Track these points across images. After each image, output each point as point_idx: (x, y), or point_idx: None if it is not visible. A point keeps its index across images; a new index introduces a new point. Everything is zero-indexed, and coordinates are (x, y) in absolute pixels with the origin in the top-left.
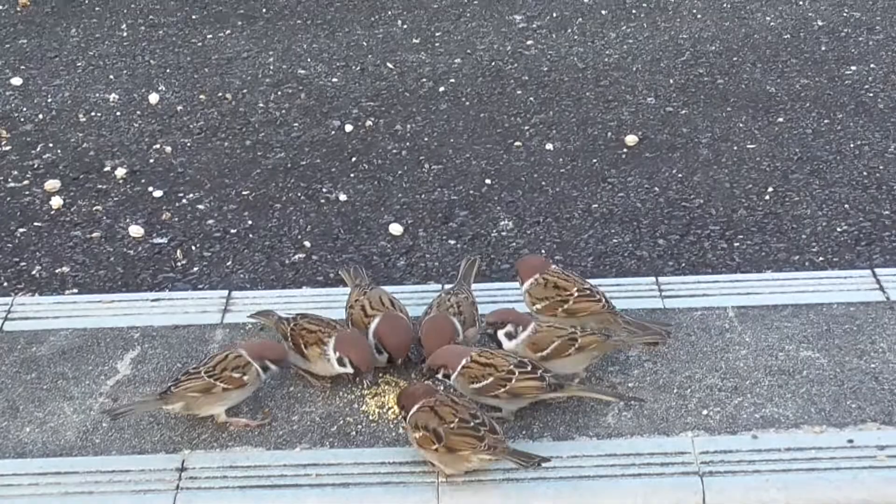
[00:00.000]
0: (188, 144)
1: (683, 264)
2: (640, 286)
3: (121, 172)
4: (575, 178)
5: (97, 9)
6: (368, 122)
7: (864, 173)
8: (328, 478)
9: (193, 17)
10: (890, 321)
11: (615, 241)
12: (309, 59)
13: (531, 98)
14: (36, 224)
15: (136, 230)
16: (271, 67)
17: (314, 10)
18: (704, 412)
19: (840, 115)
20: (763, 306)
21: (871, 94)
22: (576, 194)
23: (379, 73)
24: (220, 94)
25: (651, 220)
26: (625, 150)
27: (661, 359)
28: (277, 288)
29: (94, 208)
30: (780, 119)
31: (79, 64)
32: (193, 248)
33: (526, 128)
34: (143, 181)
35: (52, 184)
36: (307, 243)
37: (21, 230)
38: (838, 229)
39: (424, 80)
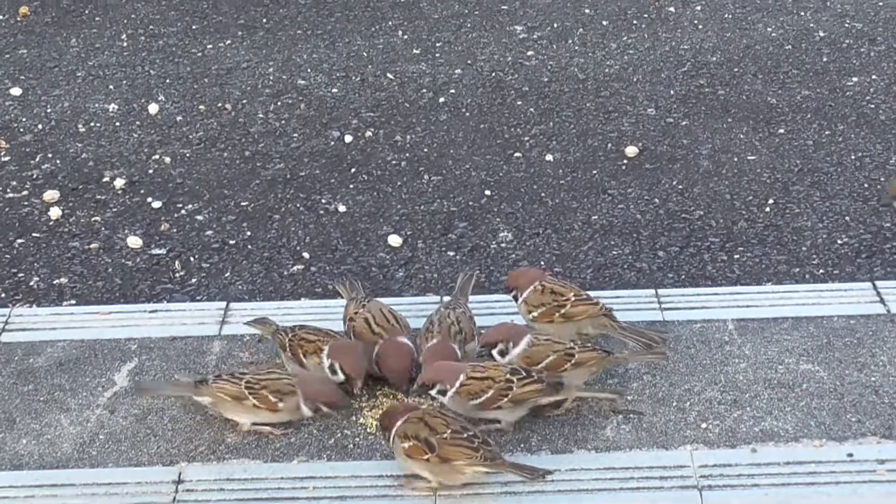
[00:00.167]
0: (187, 155)
1: (683, 276)
2: (639, 298)
3: (120, 183)
4: (575, 190)
5: (97, 19)
6: (368, 133)
7: (866, 185)
8: (325, 491)
9: (194, 27)
10: (890, 334)
11: (615, 252)
12: (309, 70)
13: (531, 109)
14: (34, 235)
15: (134, 241)
16: (271, 78)
17: (315, 20)
18: (703, 425)
19: (841, 126)
20: (763, 319)
21: (873, 106)
22: (575, 206)
23: (379, 84)
24: (219, 105)
25: (651, 231)
26: (625, 161)
27: (661, 371)
28: (276, 299)
29: (93, 219)
30: (781, 130)
31: (78, 74)
32: (192, 259)
33: (526, 139)
34: (141, 192)
35: (51, 194)
36: (306, 255)
37: (19, 241)
38: (839, 241)
39: (424, 90)
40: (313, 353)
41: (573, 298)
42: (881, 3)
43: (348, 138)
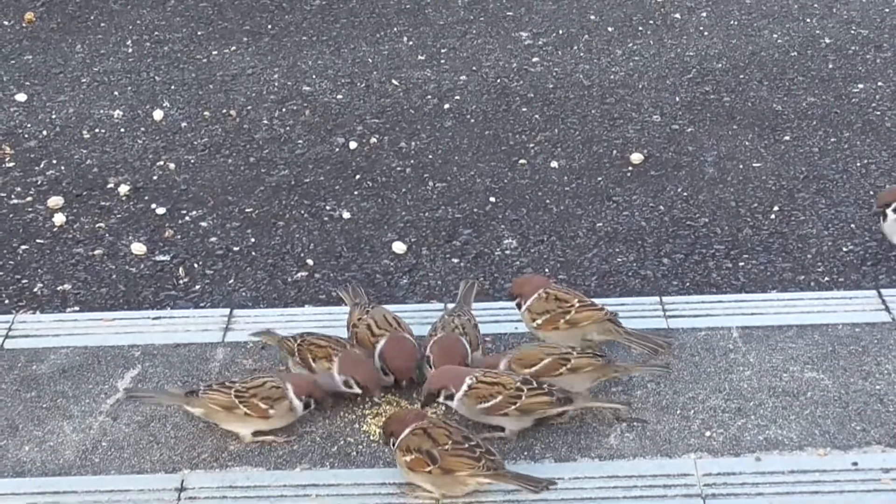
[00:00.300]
0: (192, 161)
1: (688, 284)
2: (644, 306)
3: (124, 189)
4: (579, 197)
5: (102, 25)
6: (373, 140)
7: (871, 192)
8: (328, 499)
9: (199, 33)
10: (895, 343)
11: (619, 260)
12: (314, 76)
13: (536, 116)
14: (38, 241)
15: (138, 248)
16: (276, 84)
17: (320, 26)
18: (707, 434)
19: (847, 133)
20: (767, 327)
21: (879, 113)
22: (580, 213)
23: (384, 90)
24: (224, 111)
25: (656, 238)
26: (630, 168)
27: (665, 379)
28: (279, 306)
29: (97, 225)
30: (787, 137)
31: (83, 80)
32: (196, 265)
33: (531, 146)
34: (146, 198)
35: (55, 201)
36: (310, 261)
37: (23, 247)
38: (844, 249)
39: (429, 97)
40: (323, 357)
41: (577, 304)
42: (887, 10)
43: (353, 145)
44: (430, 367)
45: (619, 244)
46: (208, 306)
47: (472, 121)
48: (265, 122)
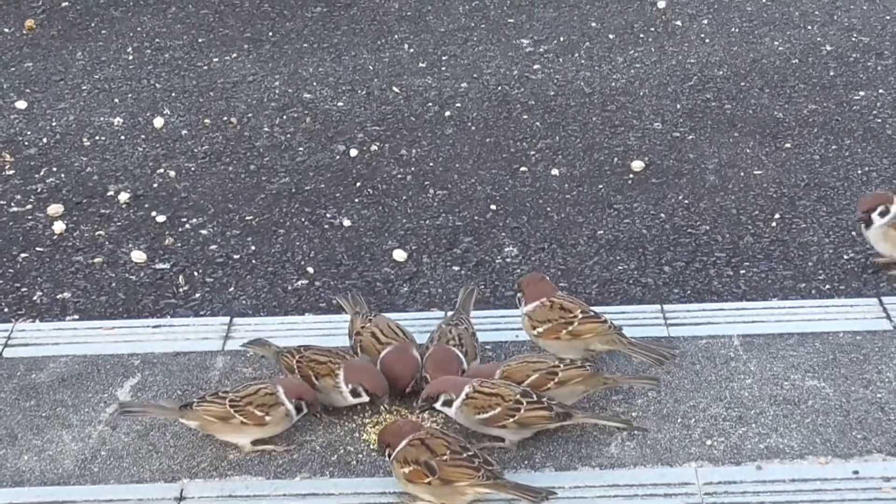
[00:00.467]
0: (192, 169)
1: (689, 291)
2: (644, 314)
3: (124, 197)
4: (580, 204)
5: (103, 32)
6: (373, 147)
7: None
8: None
9: (200, 40)
10: None
11: (620, 267)
12: (315, 83)
13: (537, 123)
14: (38, 249)
15: (138, 255)
16: (277, 91)
17: (321, 33)
18: (708, 442)
19: (848, 141)
20: (769, 335)
21: (880, 120)
22: (581, 220)
23: (385, 98)
24: (225, 118)
25: (657, 246)
26: (631, 175)
27: (665, 388)
28: (280, 314)
29: (97, 233)
30: (788, 145)
31: (84, 87)
32: (196, 273)
33: (532, 153)
34: (146, 206)
35: (55, 208)
36: (310, 269)
37: (23, 255)
38: (845, 257)
39: (430, 104)
40: (326, 374)
41: (581, 316)
42: (888, 17)
43: (354, 152)
44: (428, 381)
45: (620, 252)
46: (208, 314)
47: (473, 128)
48: (266, 129)
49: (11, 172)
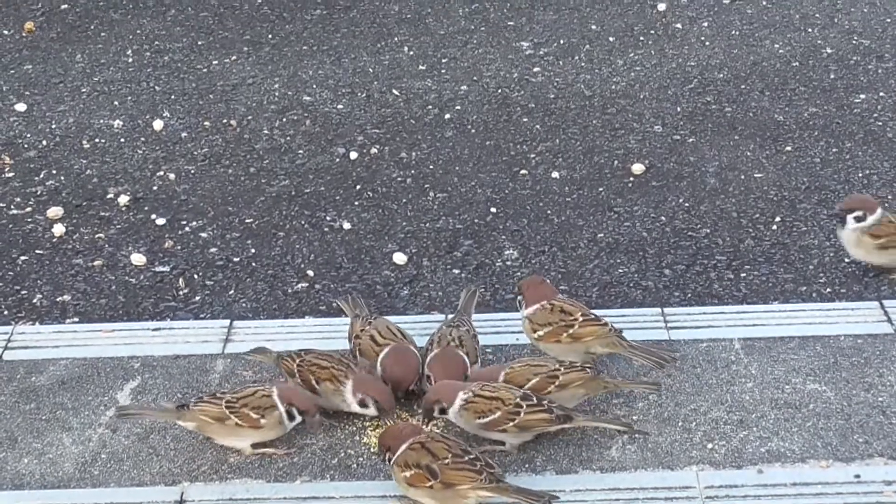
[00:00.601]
0: (192, 171)
1: (689, 295)
2: (645, 317)
3: (124, 200)
4: (581, 207)
5: (102, 35)
6: (373, 150)
7: None
8: None
9: (199, 42)
10: None
11: (621, 270)
12: (314, 86)
13: (537, 126)
14: (38, 252)
15: (138, 258)
16: (276, 94)
17: (320, 36)
18: (709, 446)
19: (849, 144)
20: (769, 338)
21: (880, 123)
22: (581, 223)
23: (384, 100)
24: (224, 121)
25: (657, 249)
26: (631, 178)
27: (666, 391)
28: (280, 317)
29: (97, 236)
30: (788, 148)
31: (83, 90)
32: (195, 276)
33: (532, 156)
34: (146, 209)
35: (55, 211)
36: (310, 272)
37: (23, 258)
38: (846, 260)
39: (430, 107)
40: (326, 379)
41: (581, 319)
42: (889, 20)
43: (353, 155)
44: (431, 383)
45: (621, 255)
46: (208, 317)
47: (473, 131)
48: (265, 132)
49: (11, 175)
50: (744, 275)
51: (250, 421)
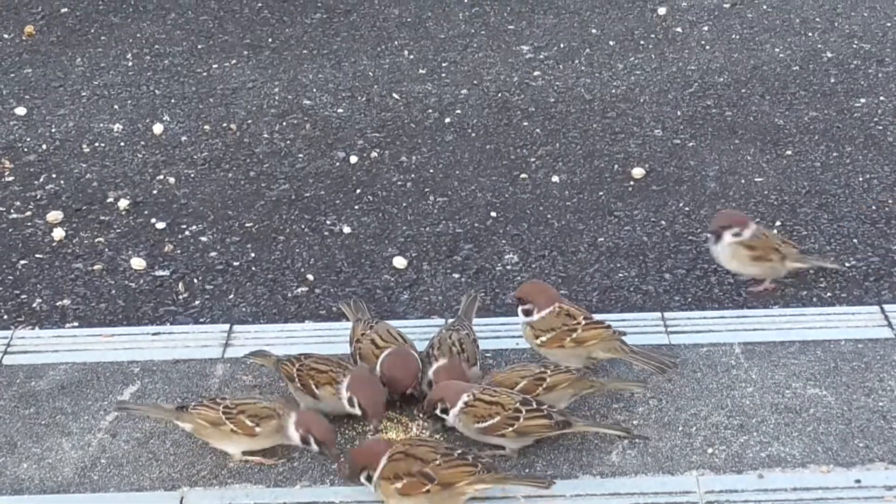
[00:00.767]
0: (192, 175)
1: (690, 299)
2: (645, 321)
3: (124, 204)
4: (581, 212)
5: (102, 38)
6: (373, 154)
7: (873, 207)
8: None
9: (199, 46)
10: None
11: (621, 275)
12: (314, 90)
13: (537, 130)
14: (37, 256)
15: (138, 262)
16: (276, 98)
17: (320, 39)
18: (710, 451)
19: (849, 148)
20: (770, 343)
21: (881, 127)
22: (581, 228)
23: (385, 104)
24: (224, 125)
25: (657, 254)
26: (631, 182)
27: (666, 396)
28: (280, 322)
29: (97, 240)
30: (789, 152)
31: (83, 94)
32: (195, 280)
33: (532, 160)
34: (145, 213)
35: (55, 215)
36: (310, 276)
37: (22, 262)
38: (846, 264)
39: (430, 111)
40: (326, 383)
41: (584, 322)
42: (889, 24)
43: (353, 159)
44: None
45: (621, 259)
46: (208, 322)
47: (473, 135)
48: (265, 136)
49: (11, 179)
50: (744, 279)
51: (245, 428)
